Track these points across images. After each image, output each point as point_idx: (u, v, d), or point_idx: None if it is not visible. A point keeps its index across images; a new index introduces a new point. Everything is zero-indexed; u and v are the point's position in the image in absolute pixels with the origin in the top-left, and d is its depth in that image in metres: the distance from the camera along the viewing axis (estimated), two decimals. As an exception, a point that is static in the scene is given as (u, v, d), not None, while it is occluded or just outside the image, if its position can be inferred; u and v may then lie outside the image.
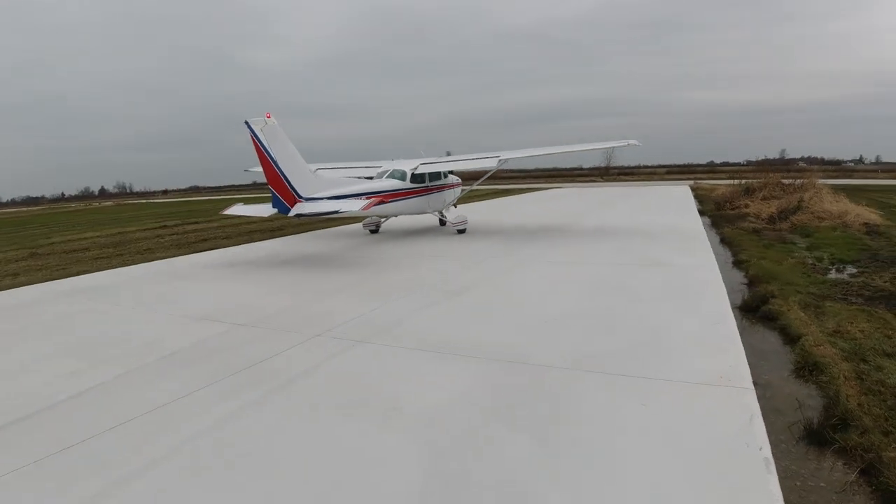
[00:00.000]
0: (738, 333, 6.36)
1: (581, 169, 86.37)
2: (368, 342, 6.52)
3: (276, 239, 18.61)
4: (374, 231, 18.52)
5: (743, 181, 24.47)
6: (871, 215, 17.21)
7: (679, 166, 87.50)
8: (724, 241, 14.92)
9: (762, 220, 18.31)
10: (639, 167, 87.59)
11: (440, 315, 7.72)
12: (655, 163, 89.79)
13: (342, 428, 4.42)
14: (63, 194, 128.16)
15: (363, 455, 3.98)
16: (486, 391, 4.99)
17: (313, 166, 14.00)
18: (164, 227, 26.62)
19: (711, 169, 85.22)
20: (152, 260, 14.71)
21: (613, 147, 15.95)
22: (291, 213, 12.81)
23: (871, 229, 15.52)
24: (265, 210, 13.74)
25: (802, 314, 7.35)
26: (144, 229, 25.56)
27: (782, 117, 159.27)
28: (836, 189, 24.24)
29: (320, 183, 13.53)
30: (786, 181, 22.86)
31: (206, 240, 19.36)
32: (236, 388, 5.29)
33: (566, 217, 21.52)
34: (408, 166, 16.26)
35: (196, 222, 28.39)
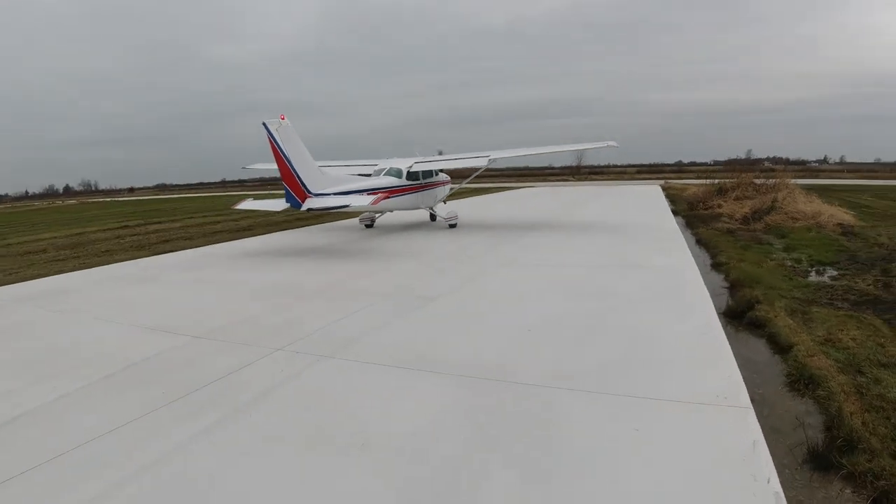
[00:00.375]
0: (727, 344, 6.06)
1: (552, 168, 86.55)
2: (335, 357, 6.03)
3: (246, 239, 17.93)
4: (370, 226, 19.03)
5: (716, 181, 24.47)
6: (845, 216, 17.30)
7: (648, 166, 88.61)
8: (701, 241, 14.77)
9: (736, 220, 18.28)
10: (609, 166, 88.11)
11: (416, 324, 7.26)
12: (625, 162, 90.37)
13: (303, 462, 3.94)
14: (27, 192, 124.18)
15: (328, 492, 3.52)
16: (464, 415, 4.53)
17: (317, 163, 14.61)
18: (126, 227, 25.62)
19: (680, 169, 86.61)
20: (110, 263, 13.93)
21: (594, 147, 18.55)
22: (303, 208, 13.47)
23: (846, 230, 15.55)
24: (278, 205, 14.26)
25: (790, 321, 7.10)
26: (105, 229, 24.55)
27: (748, 118, 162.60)
28: (806, 189, 24.49)
29: (327, 179, 14.28)
30: (758, 181, 22.92)
31: (167, 241, 18.58)
32: (184, 414, 4.75)
33: (541, 217, 21.26)
34: (403, 164, 16.95)
35: (159, 222, 27.44)
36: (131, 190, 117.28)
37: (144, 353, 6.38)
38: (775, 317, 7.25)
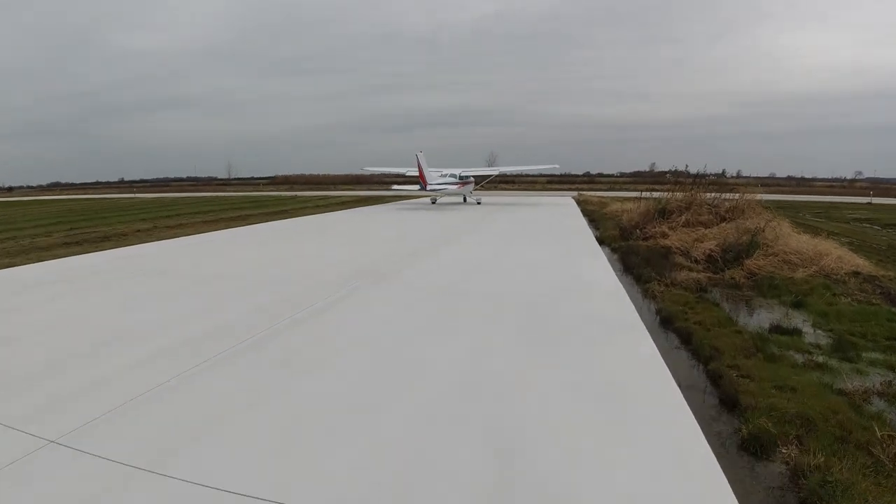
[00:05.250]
0: None
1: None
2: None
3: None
4: (434, 202, 32.63)
5: (658, 195, 18.07)
6: (857, 259, 11.31)
7: (559, 177, 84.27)
8: (668, 322, 8.02)
9: (698, 262, 11.89)
10: (519, 176, 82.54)
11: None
12: (535, 172, 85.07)
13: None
14: None
15: None
16: None
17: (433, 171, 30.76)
18: None
19: (591, 180, 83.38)
20: None
21: (542, 169, 39.04)
22: (428, 189, 29.40)
23: (882, 288, 9.44)
24: (415, 188, 30.52)
25: None
26: None
27: (648, 133, 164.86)
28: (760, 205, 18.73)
29: (432, 178, 29.66)
30: (708, 195, 16.80)
31: None
32: None
33: (418, 244, 14.10)
34: (457, 172, 31.33)
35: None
36: (10, 189, 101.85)
37: None
38: None
